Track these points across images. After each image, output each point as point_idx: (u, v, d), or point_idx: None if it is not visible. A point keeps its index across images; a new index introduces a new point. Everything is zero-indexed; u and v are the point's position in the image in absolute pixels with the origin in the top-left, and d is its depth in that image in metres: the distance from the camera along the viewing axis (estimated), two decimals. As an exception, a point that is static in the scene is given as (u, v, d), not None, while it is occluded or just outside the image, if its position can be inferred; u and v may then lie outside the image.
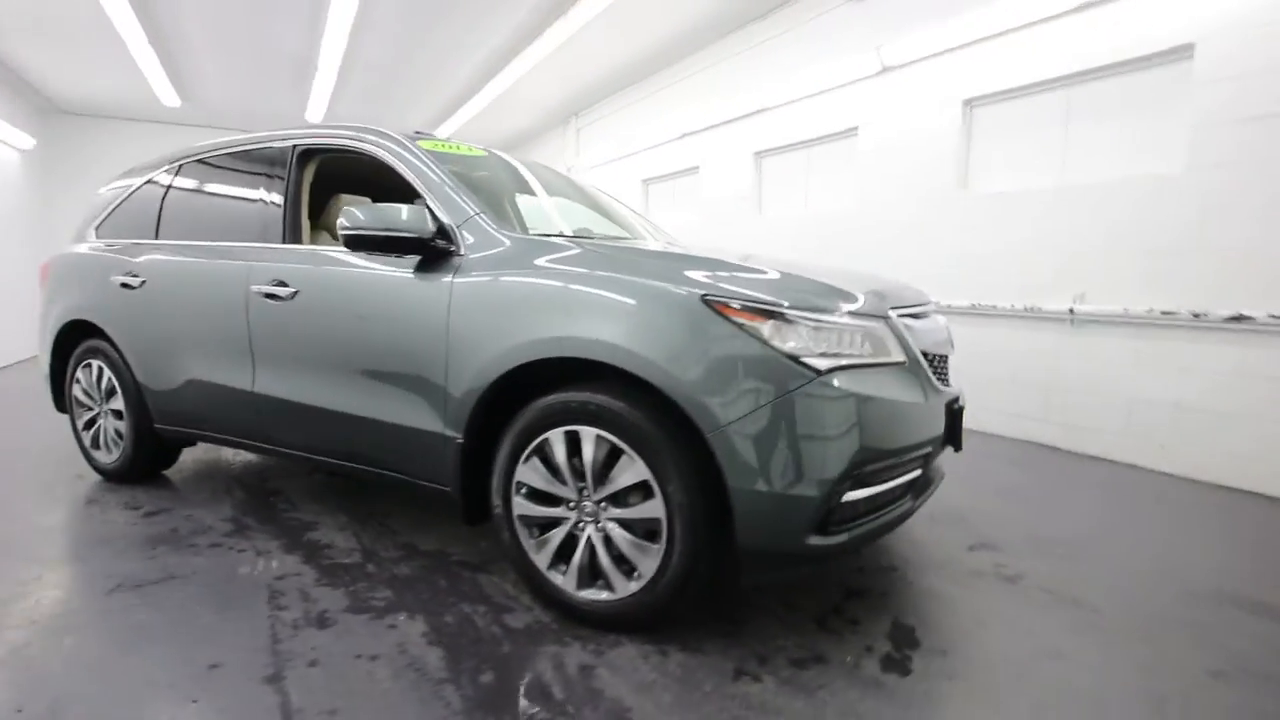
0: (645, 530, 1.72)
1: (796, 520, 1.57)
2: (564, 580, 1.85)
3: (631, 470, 1.70)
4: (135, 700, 1.52)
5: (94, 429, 3.09)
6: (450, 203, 2.09)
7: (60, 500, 2.85)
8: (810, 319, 1.62)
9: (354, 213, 1.97)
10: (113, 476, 3.07)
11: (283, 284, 2.34)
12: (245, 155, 2.72)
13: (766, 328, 1.59)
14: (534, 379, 1.88)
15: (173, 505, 2.80)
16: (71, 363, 3.10)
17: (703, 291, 1.64)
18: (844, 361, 1.61)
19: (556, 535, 1.85)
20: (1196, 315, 3.14)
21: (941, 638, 1.83)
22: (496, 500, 1.94)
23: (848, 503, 1.60)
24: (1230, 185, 3.00)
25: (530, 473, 1.86)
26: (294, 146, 2.55)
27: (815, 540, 1.59)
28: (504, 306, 1.87)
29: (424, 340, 2.01)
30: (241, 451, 3.63)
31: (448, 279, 1.99)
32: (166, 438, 2.92)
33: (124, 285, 2.84)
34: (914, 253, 4.44)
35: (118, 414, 2.97)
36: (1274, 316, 2.89)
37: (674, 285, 1.68)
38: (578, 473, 1.79)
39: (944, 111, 4.22)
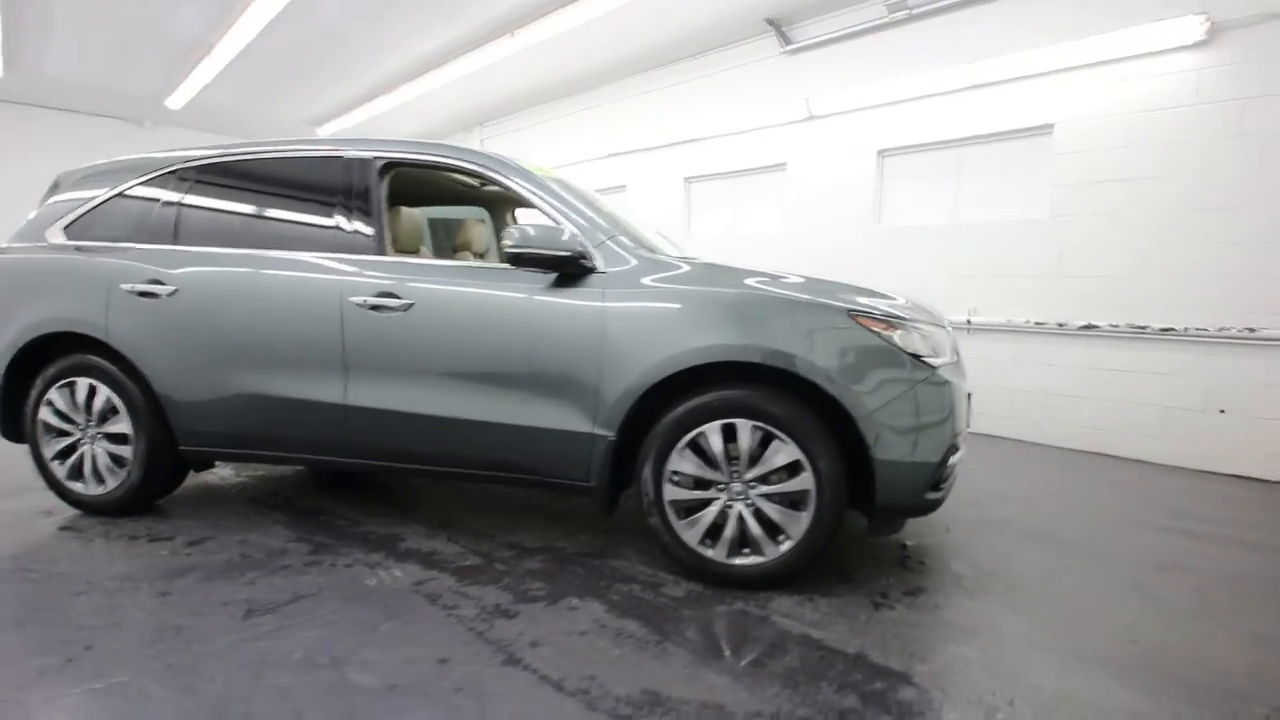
0: (790, 501, 2.12)
1: (921, 481, 2.07)
2: (714, 552, 2.18)
3: (784, 452, 2.09)
4: (406, 700, 1.58)
5: (73, 457, 2.70)
6: (590, 224, 2.31)
7: (60, 542, 2.49)
8: (921, 327, 2.14)
9: (525, 231, 2.13)
10: (103, 509, 2.71)
11: (391, 296, 2.36)
12: (302, 163, 2.63)
13: (897, 335, 2.08)
14: (667, 382, 2.18)
15: (211, 533, 2.58)
16: (39, 383, 2.69)
17: (849, 307, 2.09)
18: (944, 359, 2.16)
19: (708, 514, 2.17)
20: (1060, 325, 4.25)
21: (986, 566, 2.45)
22: (648, 490, 2.21)
23: (948, 465, 2.15)
24: (1080, 229, 4.13)
25: (683, 461, 2.16)
26: (376, 159, 2.55)
27: (930, 495, 2.11)
28: (665, 318, 2.16)
29: (576, 349, 2.21)
30: (231, 472, 3.35)
31: (597, 291, 2.22)
32: (189, 459, 2.68)
33: (143, 294, 2.57)
34: (836, 273, 5.25)
35: (117, 438, 2.65)
36: (1113, 325, 4.04)
37: (827, 300, 2.11)
38: (730, 459, 2.14)
39: (862, 157, 5.11)
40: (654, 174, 6.70)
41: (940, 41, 4.56)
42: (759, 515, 2.14)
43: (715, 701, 1.59)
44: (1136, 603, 2.19)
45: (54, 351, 2.69)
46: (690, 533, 2.20)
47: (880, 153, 5.05)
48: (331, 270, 2.45)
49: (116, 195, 2.78)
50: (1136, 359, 3.99)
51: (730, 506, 2.16)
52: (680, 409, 2.16)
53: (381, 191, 2.53)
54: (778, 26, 5.34)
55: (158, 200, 2.72)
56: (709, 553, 2.19)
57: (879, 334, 2.07)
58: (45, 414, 2.70)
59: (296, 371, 2.46)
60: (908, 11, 4.64)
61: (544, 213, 2.38)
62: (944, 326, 2.35)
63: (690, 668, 1.73)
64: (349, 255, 2.47)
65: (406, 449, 2.44)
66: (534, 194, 2.41)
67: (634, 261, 2.28)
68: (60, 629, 1.86)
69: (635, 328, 2.18)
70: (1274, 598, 2.26)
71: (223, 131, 9.37)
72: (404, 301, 2.35)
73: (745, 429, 2.11)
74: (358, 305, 2.38)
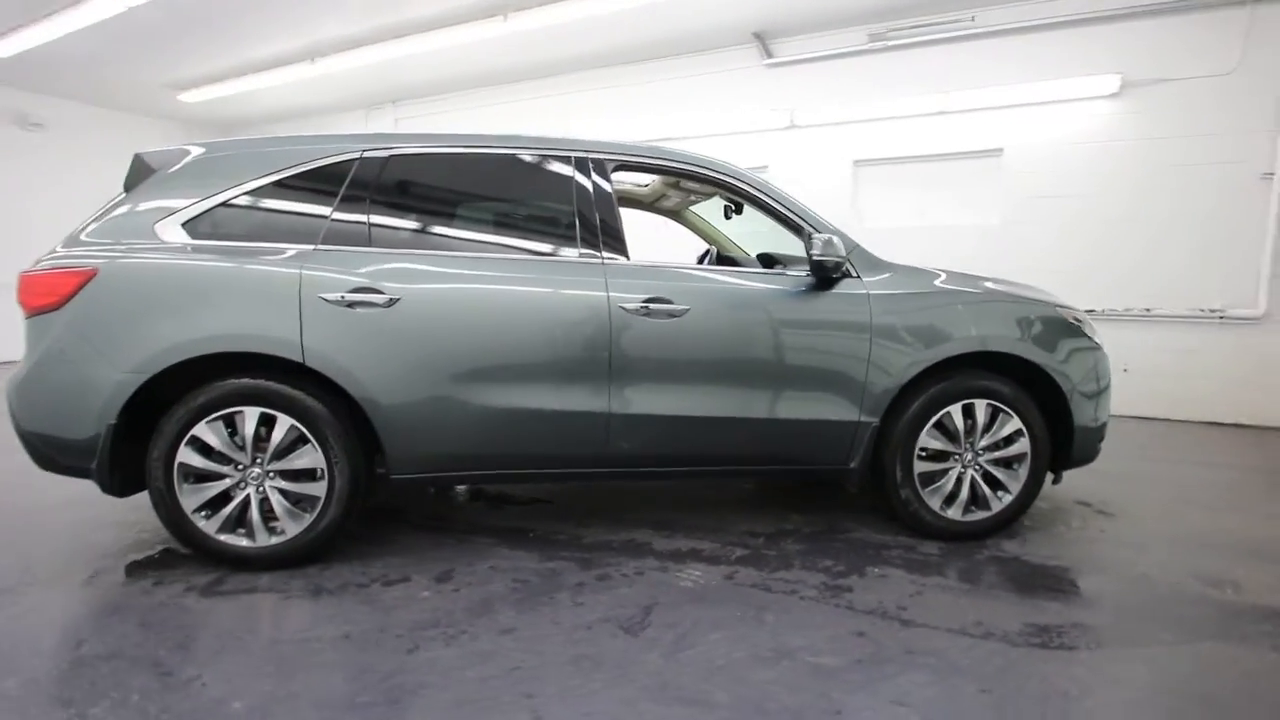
0: (1008, 464, 2.60)
1: (1099, 439, 2.68)
2: (952, 512, 2.59)
3: (1010, 424, 2.56)
4: (880, 669, 1.77)
5: (230, 505, 2.24)
6: (842, 235, 2.53)
7: (282, 608, 2.11)
8: (1088, 317, 2.73)
9: (832, 242, 2.32)
10: (274, 562, 2.29)
11: (665, 300, 2.36)
12: (525, 161, 2.46)
13: (1085, 325, 2.65)
14: None
15: (437, 565, 2.35)
16: (179, 415, 2.17)
17: (1057, 304, 2.61)
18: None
19: (948, 482, 2.58)
20: (1010, 309, 5.32)
21: (1105, 505, 3.15)
22: (901, 466, 2.53)
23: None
24: (1025, 234, 5.20)
25: (929, 439, 2.54)
26: (608, 160, 2.48)
27: (1099, 448, 2.73)
28: (922, 318, 2.50)
29: (848, 347, 2.46)
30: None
31: (862, 295, 2.48)
32: (398, 488, 2.37)
33: (351, 304, 2.21)
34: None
35: (300, 474, 2.26)
36: (1051, 309, 5.20)
37: (1041, 298, 2.60)
38: (967, 432, 2.55)
39: (840, 165, 5.80)
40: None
41: (912, 71, 5.36)
42: (987, 477, 2.60)
43: (1039, 619, 2.01)
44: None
45: (190, 379, 2.20)
46: (934, 499, 2.58)
47: (856, 162, 5.77)
48: (594, 274, 2.37)
49: (267, 187, 2.32)
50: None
51: (964, 473, 2.58)
52: (929, 393, 2.51)
53: (615, 194, 2.48)
54: (762, 40, 5.78)
55: (337, 194, 2.33)
56: (948, 513, 2.59)
57: (1074, 324, 2.63)
58: (187, 455, 2.20)
59: (555, 381, 2.34)
60: (884, 43, 5.37)
61: (798, 224, 2.55)
62: None
63: (1009, 599, 2.13)
64: (606, 258, 2.41)
65: (667, 453, 2.48)
66: (783, 205, 2.57)
67: (885, 270, 2.59)
68: (479, 687, 1.67)
69: (897, 326, 2.48)
70: (1246, 492, 3.29)
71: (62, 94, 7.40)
72: (681, 306, 2.37)
73: (981, 406, 2.54)
74: (628, 310, 2.34)
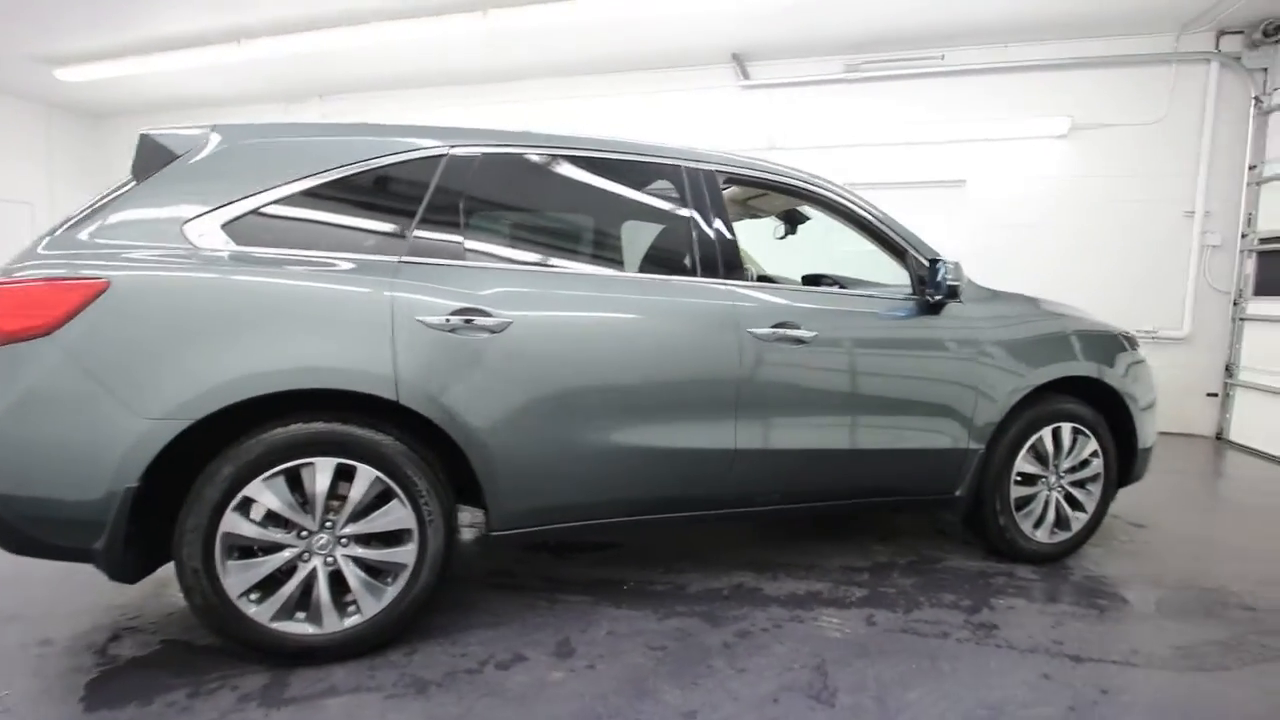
0: (1083, 484, 2.67)
1: (1150, 459, 2.82)
2: (1040, 535, 2.61)
3: (1089, 446, 2.63)
4: (1139, 695, 1.67)
5: (290, 584, 1.76)
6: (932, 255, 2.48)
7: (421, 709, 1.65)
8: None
9: (959, 268, 2.24)
10: (341, 650, 1.82)
11: (793, 325, 2.18)
12: (631, 168, 2.19)
13: (1140, 349, 2.79)
14: None
15: (516, 646, 1.98)
16: (226, 472, 1.67)
17: (1119, 332, 2.73)
18: (1143, 361, 2.96)
19: (1037, 505, 2.60)
20: (973, 329, 5.67)
21: (1124, 515, 3.33)
22: (1000, 493, 2.51)
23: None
24: (986, 260, 5.54)
25: (1024, 464, 2.56)
26: (718, 172, 2.27)
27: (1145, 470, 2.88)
28: (1025, 342, 2.51)
29: (962, 372, 2.42)
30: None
31: (970, 320, 2.45)
32: (499, 543, 1.99)
33: (456, 329, 1.82)
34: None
35: (381, 538, 1.82)
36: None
37: (1112, 327, 2.70)
38: (1053, 456, 2.59)
39: (813, 187, 5.92)
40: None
41: (884, 102, 5.60)
42: (1068, 499, 2.65)
43: (1176, 640, 2.07)
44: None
45: (230, 425, 1.71)
46: (1026, 523, 2.59)
47: (828, 185, 5.91)
48: (720, 296, 2.14)
49: (329, 185, 1.87)
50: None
51: (1049, 495, 2.62)
52: (1025, 417, 2.53)
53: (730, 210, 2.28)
54: (740, 62, 5.79)
55: (422, 198, 1.93)
56: (1037, 536, 2.61)
57: (1135, 349, 2.76)
58: (235, 522, 1.71)
59: (680, 416, 2.10)
60: (860, 73, 5.57)
61: (902, 246, 2.49)
62: None
63: (1136, 622, 2.18)
64: (728, 279, 2.19)
65: (786, 490, 2.30)
66: (893, 231, 2.51)
67: (985, 294, 2.59)
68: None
69: (1003, 350, 2.48)
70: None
71: None
72: (805, 332, 2.20)
73: (1066, 430, 2.59)
74: (758, 337, 2.13)
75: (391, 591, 1.85)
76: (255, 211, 1.82)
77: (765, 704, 1.70)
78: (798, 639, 2.02)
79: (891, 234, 2.49)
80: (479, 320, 1.87)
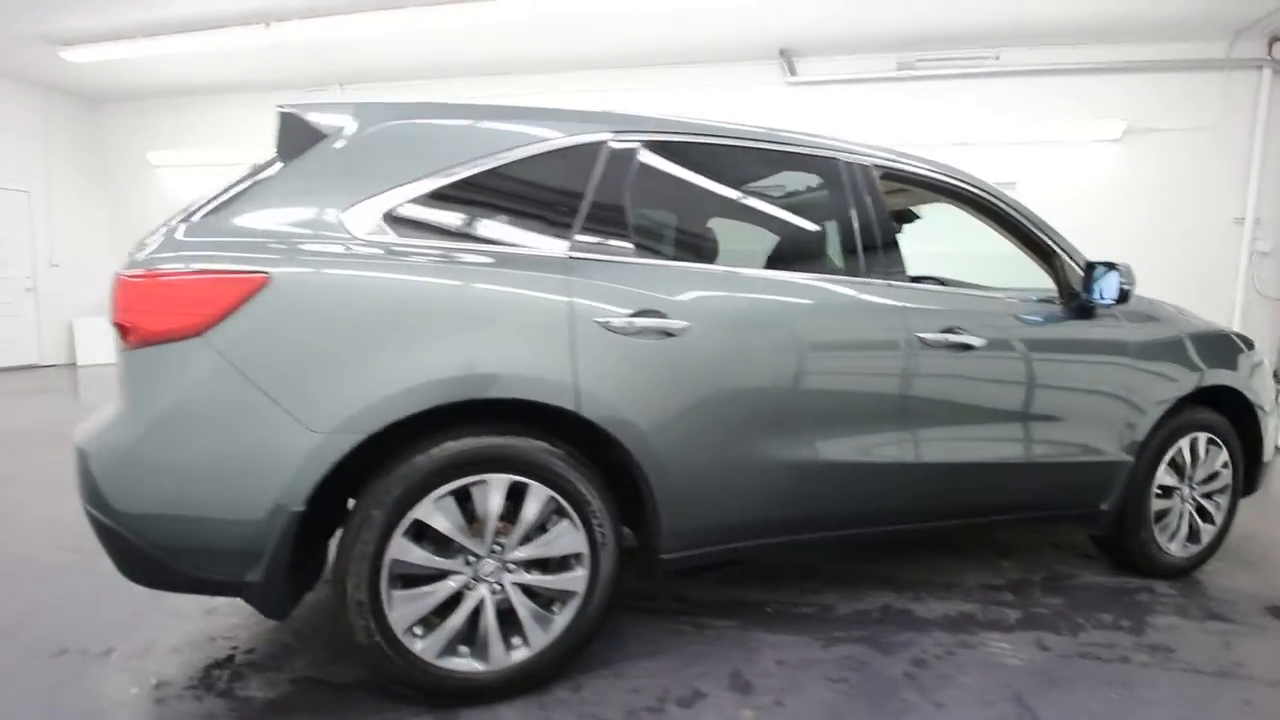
0: (1209, 496, 2.60)
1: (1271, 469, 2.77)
2: (1173, 547, 2.53)
3: (1220, 456, 2.56)
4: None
5: (458, 615, 1.58)
6: (1079, 260, 2.38)
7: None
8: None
9: (1132, 273, 2.13)
10: (518, 686, 1.65)
11: (959, 330, 2.06)
12: (791, 159, 2.04)
13: (1257, 352, 2.73)
14: None
15: (687, 679, 1.83)
16: (394, 493, 1.49)
17: (1235, 332, 2.68)
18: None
19: (1173, 519, 2.52)
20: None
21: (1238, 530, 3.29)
22: (1143, 506, 2.42)
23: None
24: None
25: (1165, 476, 2.47)
26: (875, 166, 2.13)
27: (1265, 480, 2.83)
28: (1170, 347, 2.43)
29: (1115, 380, 2.32)
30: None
31: (1122, 326, 2.35)
32: (667, 570, 1.82)
33: (638, 333, 1.65)
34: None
35: (546, 564, 1.65)
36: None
37: (1226, 328, 2.63)
38: (1189, 467, 2.51)
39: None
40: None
41: (936, 102, 5.53)
42: (1200, 510, 2.58)
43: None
44: None
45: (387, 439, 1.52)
46: (1162, 536, 2.50)
47: (872, 186, 5.83)
48: (890, 296, 2.03)
49: (487, 173, 1.69)
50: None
51: (1183, 507, 2.54)
52: (1169, 428, 2.44)
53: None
54: (788, 57, 5.68)
55: (586, 188, 1.76)
56: (1172, 549, 2.53)
57: (1248, 349, 2.70)
58: (403, 548, 1.52)
59: (852, 428, 1.97)
60: (912, 72, 5.49)
61: (1050, 248, 2.39)
62: None
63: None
64: (893, 278, 2.07)
65: (944, 504, 2.19)
66: (1043, 232, 2.41)
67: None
68: None
69: (1154, 359, 2.39)
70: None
71: None
72: (971, 337, 2.08)
73: (1202, 440, 2.52)
74: (928, 343, 2.01)
75: (560, 621, 1.68)
76: (415, 200, 1.63)
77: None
78: (979, 668, 1.90)
79: (1042, 235, 2.39)
80: (657, 323, 1.70)
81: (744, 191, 2.12)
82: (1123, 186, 5.32)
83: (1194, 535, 2.57)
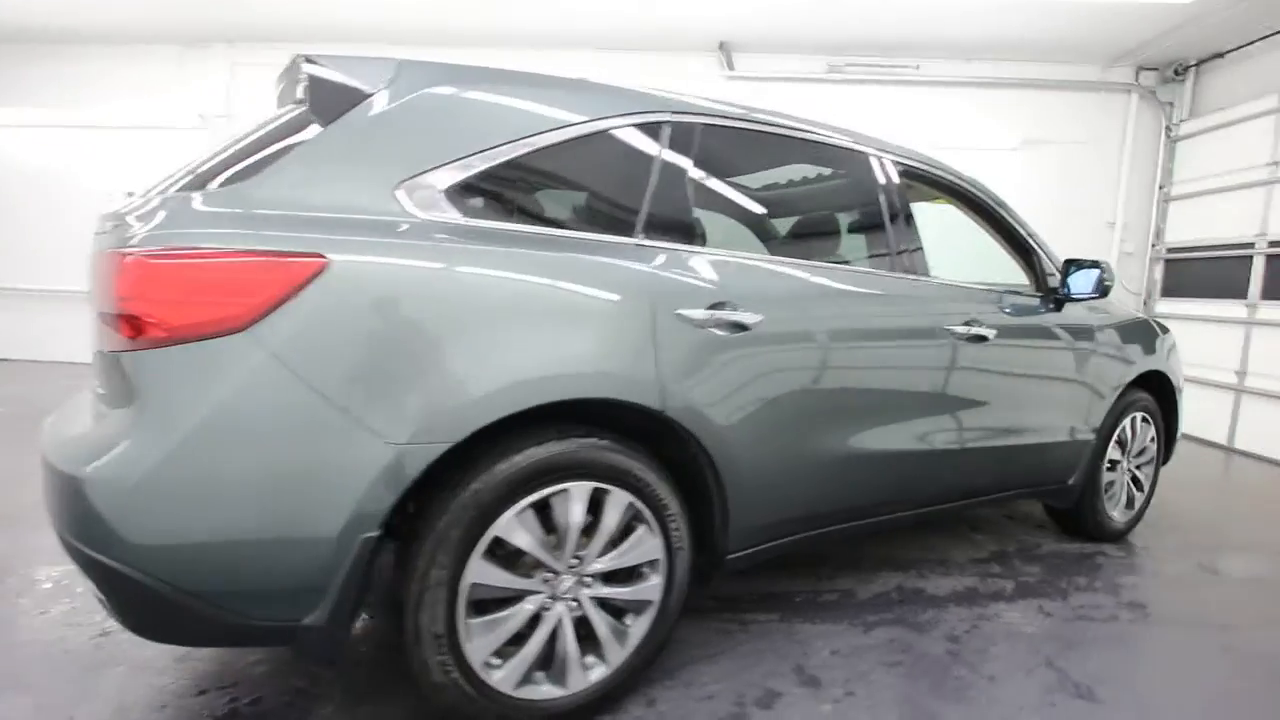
0: (1139, 467, 2.96)
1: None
2: (1116, 514, 2.85)
3: (1150, 431, 2.92)
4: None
5: (536, 640, 1.43)
6: (1053, 260, 2.58)
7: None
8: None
9: (1111, 270, 2.34)
10: (594, 709, 1.53)
11: (977, 322, 2.16)
12: (825, 152, 2.04)
13: (1170, 336, 3.12)
14: None
15: (753, 678, 1.80)
16: (472, 508, 1.31)
17: (1152, 319, 3.04)
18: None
19: (1117, 489, 2.85)
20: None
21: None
22: (1093, 483, 2.70)
23: None
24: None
25: (1113, 451, 2.77)
26: (898, 163, 2.18)
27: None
28: (1123, 334, 2.71)
29: (1086, 367, 2.56)
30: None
31: (1089, 313, 2.61)
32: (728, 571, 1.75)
33: (716, 326, 1.56)
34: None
35: (621, 575, 1.54)
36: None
37: (1147, 316, 3.01)
38: (1130, 442, 2.84)
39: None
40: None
41: (863, 104, 5.81)
42: (1134, 480, 2.93)
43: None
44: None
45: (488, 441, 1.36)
46: (1109, 506, 2.81)
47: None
48: (927, 292, 2.12)
49: (550, 149, 1.52)
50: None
51: (1123, 478, 2.88)
52: (1119, 406, 2.73)
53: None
54: (727, 51, 5.72)
55: (650, 170, 1.64)
56: (1116, 515, 2.85)
57: (1169, 334, 3.09)
58: (483, 570, 1.35)
59: (898, 418, 2.04)
60: (841, 75, 5.74)
61: (1030, 247, 2.58)
62: None
63: (1247, 580, 2.45)
64: (921, 273, 2.13)
65: (956, 489, 2.32)
66: (1025, 232, 2.58)
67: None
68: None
69: (1113, 344, 2.67)
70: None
71: None
72: (986, 330, 2.20)
73: (1139, 418, 2.86)
74: (958, 335, 2.11)
75: (636, 633, 1.57)
76: (477, 176, 1.44)
77: (1045, 709, 1.67)
78: (1005, 638, 2.03)
79: (1024, 235, 2.57)
80: (734, 316, 1.63)
81: (801, 185, 2.10)
82: (1019, 191, 5.89)
83: (1130, 502, 2.93)
